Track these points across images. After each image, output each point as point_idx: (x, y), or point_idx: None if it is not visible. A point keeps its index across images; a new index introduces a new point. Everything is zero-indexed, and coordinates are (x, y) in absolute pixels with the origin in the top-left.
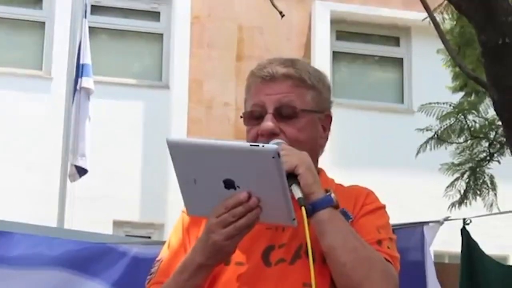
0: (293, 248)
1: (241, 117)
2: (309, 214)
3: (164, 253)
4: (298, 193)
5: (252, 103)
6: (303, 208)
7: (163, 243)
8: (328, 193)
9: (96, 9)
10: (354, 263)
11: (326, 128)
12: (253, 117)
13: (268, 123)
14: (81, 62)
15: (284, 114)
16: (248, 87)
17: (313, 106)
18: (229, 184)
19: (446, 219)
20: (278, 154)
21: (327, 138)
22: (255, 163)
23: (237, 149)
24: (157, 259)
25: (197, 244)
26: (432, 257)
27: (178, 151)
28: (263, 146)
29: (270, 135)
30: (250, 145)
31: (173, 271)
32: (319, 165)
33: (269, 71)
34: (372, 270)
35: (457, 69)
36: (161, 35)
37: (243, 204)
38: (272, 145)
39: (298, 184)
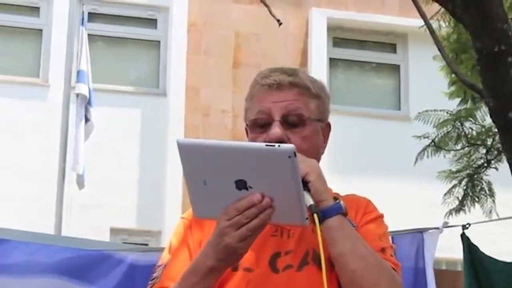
0: (300, 255)
1: (246, 125)
2: (319, 221)
3: (165, 258)
4: (309, 200)
5: (256, 111)
6: (315, 215)
7: (160, 250)
8: (337, 201)
9: (94, 17)
10: (364, 270)
11: (326, 137)
12: (258, 125)
13: (277, 130)
14: (78, 68)
15: (290, 121)
16: (250, 96)
17: (316, 115)
18: (240, 185)
19: (446, 225)
20: (295, 154)
21: (325, 147)
22: (270, 163)
23: (252, 149)
24: (159, 264)
25: (208, 247)
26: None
27: (188, 152)
28: (279, 146)
29: (278, 143)
30: (266, 145)
31: (177, 276)
32: None
33: (275, 79)
34: (381, 278)
35: (453, 75)
36: (158, 42)
37: (256, 205)
38: (289, 145)
39: (309, 191)
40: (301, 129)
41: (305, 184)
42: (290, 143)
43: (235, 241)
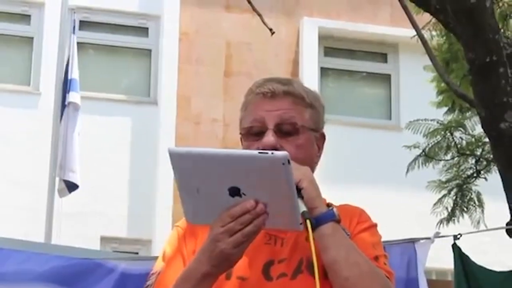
0: (294, 263)
1: (240, 133)
2: (312, 228)
3: (159, 266)
4: (302, 207)
5: (251, 119)
6: (308, 221)
7: (151, 259)
8: (330, 208)
9: (85, 25)
10: (357, 278)
11: (320, 147)
12: (252, 133)
13: (270, 138)
14: (69, 77)
15: (284, 130)
16: (245, 105)
17: (310, 124)
18: (234, 192)
19: (437, 235)
20: (288, 161)
21: (319, 157)
22: (263, 170)
23: (244, 156)
24: (152, 272)
25: (201, 254)
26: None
27: (180, 161)
28: (272, 153)
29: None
30: (259, 152)
31: (170, 284)
32: None
33: (269, 88)
34: (374, 285)
35: (442, 84)
36: (149, 51)
37: (250, 212)
38: (282, 152)
39: (302, 197)
40: (295, 138)
41: (298, 190)
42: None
43: (229, 247)
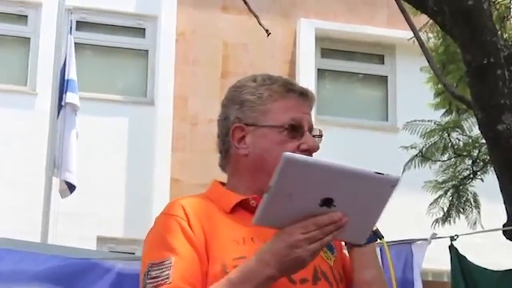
0: (310, 270)
1: (272, 126)
2: (362, 244)
3: (163, 257)
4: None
5: (289, 117)
6: (383, 240)
7: None
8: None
9: (82, 25)
10: None
11: None
12: (290, 130)
13: (315, 141)
14: (66, 77)
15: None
16: (270, 97)
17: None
18: (325, 202)
19: (434, 237)
20: (397, 184)
21: None
22: (370, 188)
23: (360, 174)
24: (154, 262)
25: (269, 256)
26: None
27: (291, 167)
28: (387, 174)
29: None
30: (376, 172)
31: (192, 278)
32: None
33: (302, 87)
34: None
35: (439, 86)
36: (146, 51)
37: (335, 223)
38: (395, 175)
39: None
40: None
41: None
42: None
43: (307, 254)
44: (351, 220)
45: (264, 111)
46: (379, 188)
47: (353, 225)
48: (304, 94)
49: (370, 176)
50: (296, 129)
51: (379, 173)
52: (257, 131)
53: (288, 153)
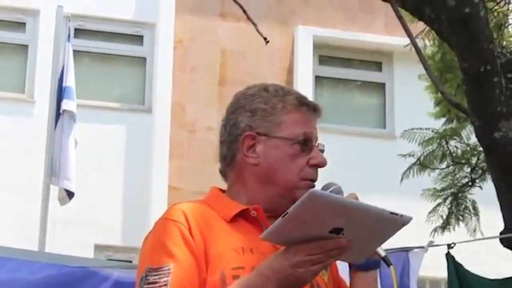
0: (308, 285)
1: (285, 138)
2: (366, 269)
3: (162, 263)
4: (381, 252)
5: (301, 131)
6: (391, 267)
7: None
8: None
9: (80, 33)
10: None
11: None
12: (300, 144)
13: (324, 157)
14: (64, 85)
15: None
16: (284, 109)
17: None
18: (335, 231)
19: (431, 244)
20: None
21: None
22: (382, 224)
23: (376, 212)
24: (152, 267)
25: (271, 272)
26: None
27: (314, 202)
28: (401, 216)
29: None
30: (390, 212)
31: (189, 286)
32: None
33: (314, 102)
34: None
35: (439, 94)
36: (144, 59)
37: (340, 248)
38: (408, 216)
39: None
40: None
41: None
42: None
43: (309, 275)
44: (355, 245)
45: (277, 122)
46: (391, 226)
47: (356, 249)
48: (316, 110)
49: (384, 215)
50: (306, 144)
51: (394, 213)
52: (268, 141)
53: (315, 190)
